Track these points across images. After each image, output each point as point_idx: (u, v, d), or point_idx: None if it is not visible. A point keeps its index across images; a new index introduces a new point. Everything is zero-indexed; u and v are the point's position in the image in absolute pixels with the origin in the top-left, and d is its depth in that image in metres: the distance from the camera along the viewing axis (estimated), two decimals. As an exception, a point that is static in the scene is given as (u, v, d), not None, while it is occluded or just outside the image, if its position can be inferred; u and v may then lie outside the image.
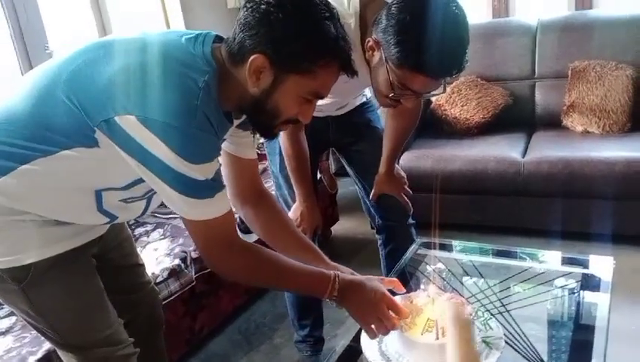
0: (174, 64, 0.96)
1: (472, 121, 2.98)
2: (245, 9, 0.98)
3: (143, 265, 1.45)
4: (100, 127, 0.95)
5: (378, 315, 1.12)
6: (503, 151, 2.72)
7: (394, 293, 1.23)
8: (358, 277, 1.18)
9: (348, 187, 3.26)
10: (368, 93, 1.86)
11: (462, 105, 3.02)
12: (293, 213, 1.75)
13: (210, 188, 0.99)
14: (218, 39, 1.05)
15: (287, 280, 1.15)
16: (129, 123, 0.91)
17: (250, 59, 0.96)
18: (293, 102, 1.01)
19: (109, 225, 1.27)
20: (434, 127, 3.08)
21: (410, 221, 1.89)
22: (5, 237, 1.08)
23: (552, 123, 2.95)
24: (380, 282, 1.19)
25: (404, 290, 1.26)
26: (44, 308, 1.14)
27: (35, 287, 1.10)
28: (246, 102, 1.03)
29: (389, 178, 1.83)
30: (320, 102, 1.11)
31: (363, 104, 1.86)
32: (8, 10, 2.27)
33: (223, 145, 1.19)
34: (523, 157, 2.66)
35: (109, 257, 1.32)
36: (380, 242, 1.97)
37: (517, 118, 3.05)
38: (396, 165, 1.87)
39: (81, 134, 0.98)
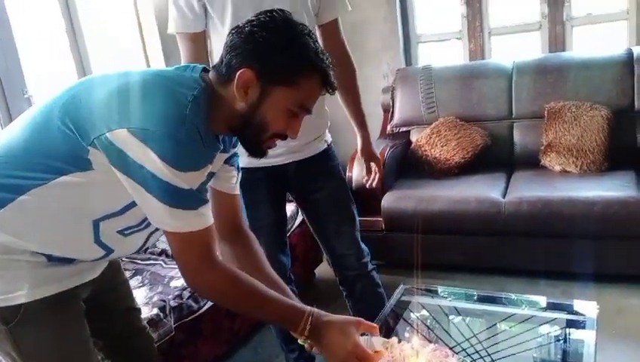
0: (164, 81, 1.03)
1: (452, 161, 3.01)
2: (231, 34, 1.07)
3: (139, 310, 1.43)
4: (93, 145, 0.98)
5: None
6: (483, 191, 2.73)
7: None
8: (334, 318, 1.16)
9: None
10: (329, 137, 1.87)
11: (442, 146, 3.05)
12: None
13: (194, 198, 1.02)
14: (206, 70, 1.11)
15: (262, 307, 1.14)
16: (120, 137, 0.95)
17: (237, 74, 1.03)
18: (281, 114, 1.07)
19: (103, 267, 1.25)
20: (415, 167, 3.10)
21: (370, 266, 1.89)
22: None
23: (531, 162, 2.98)
24: (357, 326, 1.17)
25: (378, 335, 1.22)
26: (28, 351, 1.12)
27: (22, 329, 1.09)
28: (235, 119, 1.07)
29: (369, 145, 1.92)
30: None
31: (325, 151, 1.84)
32: None
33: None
34: (503, 197, 2.68)
35: (102, 300, 1.29)
36: (345, 294, 1.95)
37: (496, 157, 3.09)
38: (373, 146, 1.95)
39: (75, 157, 1.00)
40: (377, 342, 1.18)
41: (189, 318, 2.04)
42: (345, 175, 1.98)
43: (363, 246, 1.90)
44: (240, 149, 1.20)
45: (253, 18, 1.06)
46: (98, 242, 1.13)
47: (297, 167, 1.78)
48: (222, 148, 1.15)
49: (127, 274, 2.25)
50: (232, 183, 1.27)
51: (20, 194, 1.03)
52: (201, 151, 1.01)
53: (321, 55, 1.07)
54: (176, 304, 1.98)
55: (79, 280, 1.18)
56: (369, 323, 1.20)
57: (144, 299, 2.01)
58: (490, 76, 3.20)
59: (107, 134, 0.96)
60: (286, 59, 1.03)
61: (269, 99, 1.04)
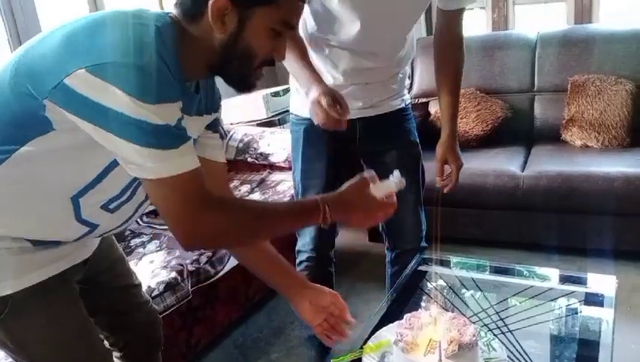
0: (122, 15, 0.92)
1: (471, 133, 2.98)
2: None
3: (139, 285, 1.39)
4: (51, 96, 0.87)
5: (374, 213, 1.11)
6: (502, 165, 2.71)
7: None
8: (343, 190, 1.12)
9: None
10: (407, 96, 1.77)
11: (461, 118, 3.01)
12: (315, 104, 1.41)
13: (173, 136, 0.90)
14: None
15: (276, 222, 1.05)
16: (79, 79, 0.85)
17: (210, 4, 0.92)
18: (265, 36, 0.97)
19: (94, 247, 1.21)
20: (434, 139, 3.05)
21: (423, 244, 1.83)
22: None
23: (551, 137, 2.94)
24: (364, 184, 1.12)
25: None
26: (24, 340, 1.07)
27: (14, 319, 1.04)
28: (215, 56, 0.98)
29: (452, 142, 1.73)
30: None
31: (400, 110, 1.73)
32: (6, 13, 2.27)
33: None
34: (522, 171, 2.65)
35: (100, 280, 1.26)
36: (387, 259, 1.91)
37: (516, 131, 3.05)
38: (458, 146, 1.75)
39: (32, 116, 0.90)
40: (380, 187, 1.13)
41: (206, 283, 2.06)
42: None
43: (423, 219, 1.83)
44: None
45: None
46: (80, 220, 1.05)
47: (367, 124, 1.67)
48: (199, 97, 1.05)
49: (145, 238, 2.28)
50: (217, 150, 1.18)
51: None
52: (169, 81, 0.90)
53: None
54: (193, 268, 2.00)
55: (68, 263, 1.11)
56: (369, 175, 1.14)
57: (162, 262, 2.04)
58: (513, 47, 3.14)
59: (65, 80, 0.85)
60: None
61: (249, 23, 0.95)
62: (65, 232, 1.07)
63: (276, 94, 3.24)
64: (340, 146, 1.68)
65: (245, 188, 2.77)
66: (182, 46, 0.94)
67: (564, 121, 2.88)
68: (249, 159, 2.93)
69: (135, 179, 1.01)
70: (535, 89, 3.10)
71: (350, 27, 1.51)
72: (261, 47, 0.98)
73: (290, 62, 1.48)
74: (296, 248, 1.83)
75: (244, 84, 1.04)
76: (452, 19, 1.65)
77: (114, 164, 0.97)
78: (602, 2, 3.25)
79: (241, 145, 2.96)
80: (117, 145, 0.87)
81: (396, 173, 1.15)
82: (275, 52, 1.01)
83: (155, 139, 0.87)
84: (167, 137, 0.89)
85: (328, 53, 1.60)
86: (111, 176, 1.00)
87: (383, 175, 1.74)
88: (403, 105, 1.74)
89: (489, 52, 3.17)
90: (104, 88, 0.84)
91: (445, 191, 1.75)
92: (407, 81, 1.79)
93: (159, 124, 0.86)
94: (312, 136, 1.68)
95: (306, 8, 1.56)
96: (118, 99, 0.84)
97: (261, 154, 2.89)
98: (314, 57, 1.59)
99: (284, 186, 2.66)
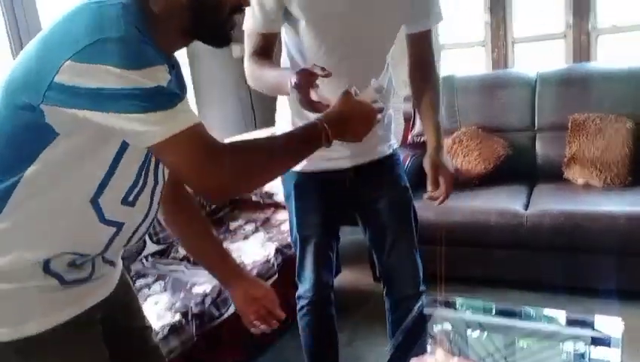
0: (88, 4, 0.93)
1: (473, 171, 3.00)
2: None
3: (150, 328, 1.38)
4: (46, 99, 0.89)
5: None
6: (505, 203, 2.72)
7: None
8: (335, 104, 1.17)
9: (347, 236, 3.24)
10: (394, 142, 1.80)
11: (463, 156, 3.04)
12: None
13: (168, 95, 0.91)
14: None
15: (288, 151, 1.09)
16: (66, 72, 0.87)
17: None
18: None
19: (116, 281, 1.21)
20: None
21: (422, 288, 1.82)
22: (6, 308, 1.02)
23: (553, 175, 2.96)
24: (347, 97, 1.18)
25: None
26: None
27: (38, 359, 1.05)
28: (185, 16, 1.01)
29: (440, 152, 1.65)
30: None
31: (388, 157, 1.75)
32: (7, 12, 2.33)
33: None
34: (525, 209, 2.66)
35: (115, 318, 1.24)
36: (387, 306, 1.90)
37: (518, 169, 3.06)
38: (447, 157, 1.69)
39: (33, 129, 0.92)
40: (363, 96, 1.21)
41: (211, 325, 2.05)
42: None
43: (419, 263, 1.83)
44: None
45: None
46: (105, 221, 1.05)
47: (357, 172, 1.70)
48: (170, 78, 1.02)
49: (150, 279, 2.28)
50: None
51: (4, 201, 0.96)
52: (149, 47, 0.91)
53: None
54: (198, 311, 2.00)
55: (93, 299, 1.12)
56: (349, 89, 1.20)
57: (167, 304, 2.04)
58: (513, 86, 3.19)
59: (54, 79, 0.87)
60: None
61: None
62: (93, 238, 1.07)
63: (280, 133, 3.28)
64: (331, 197, 1.71)
65: (250, 227, 2.78)
66: (150, 18, 0.97)
67: (565, 159, 2.90)
68: (254, 198, 2.95)
69: (144, 162, 1.04)
70: (536, 127, 3.13)
71: (317, 51, 1.55)
72: None
73: (260, 79, 1.55)
74: (297, 294, 1.84)
75: (220, 36, 1.08)
76: (422, 41, 1.69)
77: (120, 152, 0.98)
78: (600, 41, 3.31)
79: (245, 184, 2.98)
80: (120, 123, 0.89)
81: (373, 80, 1.23)
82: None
83: (151, 102, 0.88)
84: (163, 98, 0.90)
85: None
86: (121, 166, 1.01)
87: (377, 222, 1.78)
88: (391, 150, 1.76)
89: (489, 90, 3.22)
90: (90, 71, 0.86)
91: (437, 204, 1.66)
92: (393, 126, 1.80)
93: (150, 86, 0.88)
94: (302, 191, 1.71)
95: (284, 40, 1.63)
96: (105, 77, 0.86)
97: (266, 193, 2.92)
98: (294, 105, 1.59)
99: (287, 226, 2.67)
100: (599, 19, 3.27)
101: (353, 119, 1.15)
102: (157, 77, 0.90)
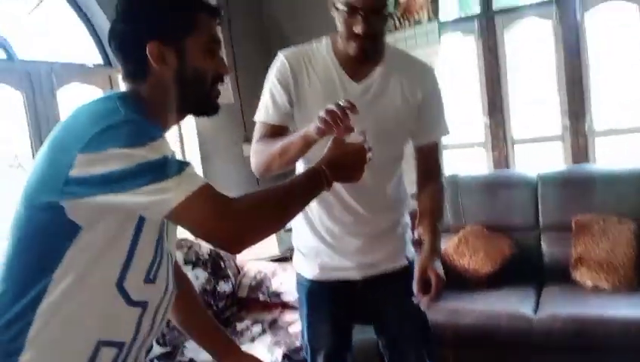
0: (86, 103, 1.05)
1: (480, 271, 3.01)
2: (111, 45, 1.12)
3: None
4: (65, 195, 0.95)
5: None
6: (514, 306, 2.71)
7: None
8: (328, 150, 1.26)
9: (358, 335, 3.19)
10: (411, 254, 1.75)
11: (470, 256, 3.07)
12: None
13: (175, 163, 0.99)
14: None
15: (294, 198, 1.16)
16: (80, 165, 0.94)
17: (148, 53, 1.07)
18: (204, 56, 1.12)
19: None
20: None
21: None
22: None
23: (561, 276, 2.96)
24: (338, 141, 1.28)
25: None
26: None
27: None
28: (172, 93, 1.11)
29: (433, 257, 1.56)
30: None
31: (401, 270, 1.70)
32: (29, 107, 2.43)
33: None
34: (535, 313, 2.65)
35: None
36: None
37: (525, 269, 3.08)
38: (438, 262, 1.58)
39: (57, 227, 0.98)
40: (352, 138, 1.31)
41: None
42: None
43: None
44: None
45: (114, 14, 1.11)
46: (132, 303, 1.08)
47: (368, 284, 1.68)
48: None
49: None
50: None
51: (34, 309, 0.99)
52: (149, 125, 1.01)
53: None
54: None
55: None
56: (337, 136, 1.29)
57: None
58: (515, 186, 3.27)
59: (70, 174, 0.94)
60: (173, 17, 1.09)
61: (187, 53, 1.10)
62: (124, 322, 1.09)
63: (288, 230, 3.31)
64: (342, 307, 1.72)
65: (257, 328, 2.75)
66: (143, 103, 1.07)
67: (572, 260, 2.92)
68: (261, 297, 2.94)
69: (160, 236, 1.09)
70: (541, 226, 3.18)
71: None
72: (205, 65, 1.13)
73: (266, 149, 1.56)
74: None
75: (208, 105, 1.18)
76: (430, 153, 1.72)
77: (137, 232, 1.03)
78: (597, 142, 3.42)
79: (254, 282, 2.99)
80: (136, 199, 0.95)
81: (356, 130, 1.32)
82: (219, 68, 1.16)
83: (161, 172, 0.96)
84: (172, 165, 0.98)
85: (319, 201, 1.62)
86: (140, 245, 1.05)
87: (389, 335, 1.75)
88: (405, 262, 1.72)
89: (492, 190, 3.30)
90: (100, 158, 0.93)
91: (423, 307, 1.56)
92: (409, 236, 1.79)
93: (159, 158, 0.96)
94: (314, 300, 1.72)
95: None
96: (114, 159, 0.93)
97: (273, 292, 2.91)
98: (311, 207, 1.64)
99: (295, 328, 2.65)
100: (595, 121, 3.40)
101: (348, 160, 1.25)
102: (161, 149, 0.98)
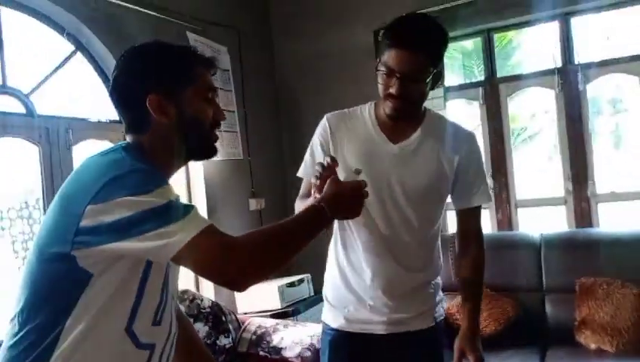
0: (91, 156, 1.12)
1: (484, 332, 2.96)
2: (113, 99, 1.18)
3: None
4: (76, 245, 0.99)
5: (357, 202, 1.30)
6: (518, 369, 2.67)
7: None
8: (325, 190, 1.28)
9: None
10: (440, 314, 1.74)
11: (473, 316, 3.04)
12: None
13: (181, 207, 1.03)
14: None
15: (295, 235, 1.17)
16: (89, 216, 0.98)
17: (149, 107, 1.12)
18: (201, 105, 1.18)
19: None
20: (449, 338, 3.06)
21: None
22: None
23: (565, 337, 2.92)
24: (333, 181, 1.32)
25: None
26: None
27: None
28: (174, 142, 1.17)
29: (471, 335, 1.67)
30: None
31: (427, 330, 1.68)
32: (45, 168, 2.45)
33: None
34: (540, 376, 2.60)
35: None
36: None
37: (529, 330, 3.04)
38: (479, 340, 1.68)
39: (69, 275, 1.01)
40: (348, 177, 1.38)
41: None
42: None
43: None
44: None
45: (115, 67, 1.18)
46: (140, 346, 1.10)
47: (392, 340, 1.65)
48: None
49: None
50: None
51: (49, 358, 1.01)
52: (154, 172, 1.06)
53: (187, 47, 1.23)
54: None
55: None
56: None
57: None
58: (518, 247, 3.28)
59: (80, 224, 0.98)
60: (172, 71, 1.15)
61: (186, 103, 1.15)
62: None
63: (291, 285, 3.33)
64: (365, 360, 1.69)
65: (256, 384, 2.72)
66: (147, 153, 1.13)
67: (576, 323, 2.90)
68: (261, 353, 2.91)
69: (165, 279, 1.12)
70: (544, 288, 3.17)
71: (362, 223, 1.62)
72: (202, 113, 1.19)
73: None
74: None
75: (207, 149, 1.24)
76: (468, 217, 1.74)
77: (144, 277, 1.07)
78: (600, 206, 3.45)
79: (254, 337, 2.96)
80: (144, 245, 0.99)
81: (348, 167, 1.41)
82: (216, 115, 1.22)
83: (167, 217, 1.00)
84: (177, 209, 1.02)
85: (353, 256, 1.67)
86: (147, 289, 1.08)
87: None
88: (432, 323, 1.70)
89: (496, 251, 3.27)
90: (108, 207, 0.98)
91: None
92: (440, 297, 1.76)
93: (165, 202, 1.01)
94: (336, 350, 1.71)
95: None
96: (122, 208, 0.97)
97: (273, 348, 2.88)
98: (344, 260, 1.69)
99: (296, 384, 2.61)
100: (598, 185, 3.45)
101: (345, 196, 1.28)
102: (166, 195, 1.03)
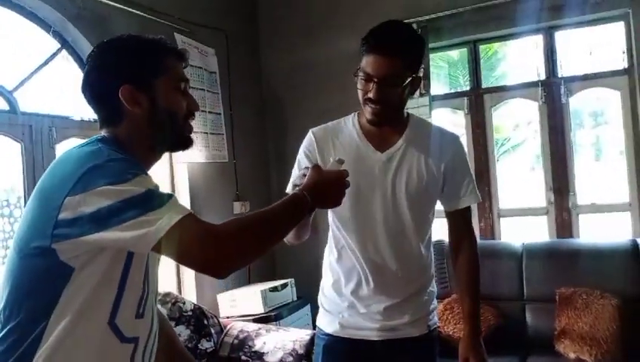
0: (68, 150, 1.12)
1: (465, 340, 2.99)
2: (85, 95, 1.18)
3: None
4: (56, 238, 0.98)
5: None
6: (498, 376, 2.68)
7: None
8: (306, 179, 1.28)
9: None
10: (434, 321, 1.75)
11: (454, 324, 3.06)
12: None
13: (160, 195, 1.02)
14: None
15: (278, 222, 1.16)
16: (68, 207, 0.98)
17: (120, 96, 1.12)
18: (174, 96, 1.19)
19: None
20: (442, 345, 3.07)
21: None
22: None
23: (545, 346, 2.95)
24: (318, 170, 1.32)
25: None
26: None
27: None
28: (147, 133, 1.17)
29: (473, 340, 1.72)
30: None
31: (422, 337, 1.69)
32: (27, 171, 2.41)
33: None
34: (519, 384, 2.62)
35: None
36: None
37: (509, 339, 3.06)
38: (481, 343, 1.72)
39: (50, 269, 1.00)
40: (331, 166, 1.38)
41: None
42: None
43: None
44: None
45: (86, 63, 1.19)
46: (125, 339, 1.10)
47: (386, 346, 1.66)
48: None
49: None
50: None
51: (33, 354, 1.01)
52: (133, 162, 1.06)
53: (157, 39, 1.21)
54: None
55: None
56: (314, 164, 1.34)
57: None
58: (500, 256, 3.31)
59: (59, 216, 0.98)
60: (143, 61, 1.15)
61: (156, 93, 1.15)
62: (118, 361, 1.11)
63: (274, 289, 3.32)
64: None
65: (237, 388, 2.70)
66: (123, 145, 1.13)
67: (556, 332, 2.93)
68: (243, 357, 2.89)
69: (146, 270, 1.12)
70: (525, 297, 3.20)
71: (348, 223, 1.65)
72: (175, 104, 1.19)
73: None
74: None
75: (181, 140, 1.23)
76: (459, 218, 1.78)
77: (126, 269, 1.06)
78: (581, 218, 3.51)
79: (236, 341, 2.94)
80: (125, 235, 0.97)
81: (332, 156, 1.42)
82: (189, 105, 1.22)
83: (147, 204, 0.99)
84: (158, 197, 1.02)
85: (348, 262, 1.67)
86: (129, 281, 1.08)
87: None
88: (426, 330, 1.71)
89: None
90: (87, 198, 0.97)
91: None
92: (434, 305, 1.77)
93: (144, 191, 1.00)
94: (330, 355, 1.71)
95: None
96: (100, 197, 0.97)
97: (255, 352, 2.86)
98: (338, 266, 1.70)
99: (277, 389, 2.60)
100: (579, 197, 3.50)
101: (327, 186, 1.28)
102: (146, 183, 1.03)
